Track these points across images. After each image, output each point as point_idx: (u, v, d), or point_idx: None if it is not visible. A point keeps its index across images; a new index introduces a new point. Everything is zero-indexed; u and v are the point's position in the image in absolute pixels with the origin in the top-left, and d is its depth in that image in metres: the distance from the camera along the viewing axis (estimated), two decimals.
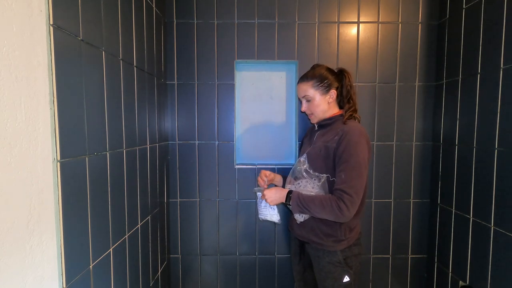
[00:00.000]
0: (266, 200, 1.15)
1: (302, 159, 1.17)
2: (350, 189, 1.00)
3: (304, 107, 1.20)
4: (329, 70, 1.18)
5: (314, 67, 1.21)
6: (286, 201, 1.11)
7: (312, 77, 1.16)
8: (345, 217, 1.01)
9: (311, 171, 1.13)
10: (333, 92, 1.16)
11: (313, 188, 1.10)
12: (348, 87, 1.17)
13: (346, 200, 1.00)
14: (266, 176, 1.25)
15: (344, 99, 1.18)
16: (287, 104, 1.68)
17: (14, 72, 0.59)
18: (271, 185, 1.29)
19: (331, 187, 1.09)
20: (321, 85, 1.14)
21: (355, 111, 1.18)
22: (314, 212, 1.05)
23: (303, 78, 1.18)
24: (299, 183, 1.12)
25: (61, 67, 0.71)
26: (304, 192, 1.09)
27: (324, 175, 1.10)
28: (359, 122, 1.19)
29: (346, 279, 1.11)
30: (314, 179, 1.10)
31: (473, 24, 1.30)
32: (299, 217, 1.15)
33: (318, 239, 1.13)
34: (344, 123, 1.12)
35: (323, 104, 1.16)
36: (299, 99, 1.23)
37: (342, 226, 1.10)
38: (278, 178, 1.32)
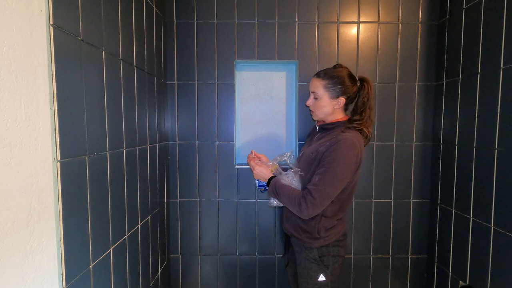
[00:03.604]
0: (253, 171, 1.23)
1: (288, 153, 1.24)
2: (316, 193, 1.02)
3: (309, 102, 1.18)
4: (350, 75, 1.13)
5: (336, 67, 1.16)
6: (266, 183, 1.19)
7: (328, 78, 1.11)
8: (302, 215, 1.06)
9: (290, 166, 1.20)
10: (342, 100, 1.12)
11: (297, 183, 1.15)
12: (365, 99, 1.11)
13: (308, 201, 1.02)
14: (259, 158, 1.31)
15: (358, 110, 1.12)
16: (287, 104, 1.68)
17: (14, 72, 0.59)
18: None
19: (302, 182, 1.14)
20: (332, 88, 1.11)
21: (363, 125, 1.11)
22: (281, 200, 1.12)
23: (320, 74, 1.14)
24: (286, 174, 1.18)
25: (61, 67, 0.71)
26: (283, 182, 1.15)
27: (297, 169, 1.15)
28: (369, 139, 1.14)
29: (322, 278, 1.12)
30: (289, 173, 1.17)
31: (473, 24, 1.30)
32: (272, 202, 1.24)
33: (297, 234, 1.17)
34: (343, 131, 1.09)
35: (328, 107, 1.13)
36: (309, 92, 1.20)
37: (317, 225, 1.11)
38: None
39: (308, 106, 1.21)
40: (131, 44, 1.12)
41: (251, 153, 1.33)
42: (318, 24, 1.56)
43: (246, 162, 1.66)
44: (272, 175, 1.19)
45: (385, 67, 1.58)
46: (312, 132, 1.33)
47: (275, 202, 1.23)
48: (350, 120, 1.13)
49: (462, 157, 1.37)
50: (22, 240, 0.61)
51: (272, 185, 1.15)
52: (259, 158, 1.30)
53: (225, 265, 1.67)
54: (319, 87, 1.13)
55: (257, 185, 1.31)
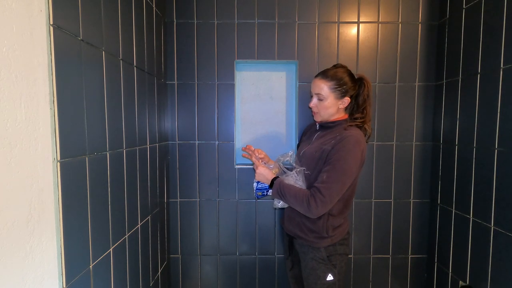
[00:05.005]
0: (255, 173, 1.21)
1: (290, 153, 1.24)
2: (325, 190, 1.02)
3: (313, 104, 1.17)
4: (351, 75, 1.14)
5: (337, 67, 1.16)
6: (269, 185, 1.18)
7: (332, 78, 1.11)
8: (312, 214, 1.05)
9: (293, 165, 1.19)
10: (347, 100, 1.13)
11: (302, 183, 1.14)
12: (365, 97, 1.14)
13: (317, 199, 1.02)
14: (260, 153, 1.29)
15: (359, 108, 1.15)
16: (287, 104, 1.68)
17: (14, 72, 0.59)
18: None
19: (307, 181, 1.13)
20: (338, 89, 1.11)
21: (364, 122, 1.14)
22: (288, 201, 1.10)
23: (323, 75, 1.13)
24: (289, 174, 1.17)
25: (61, 67, 0.71)
26: (287, 182, 1.14)
27: (302, 168, 1.14)
28: (369, 135, 1.17)
29: (330, 277, 1.12)
30: (293, 173, 1.16)
31: (473, 24, 1.30)
32: (277, 203, 1.22)
33: (303, 234, 1.16)
34: (345, 128, 1.11)
35: (333, 108, 1.13)
36: (310, 93, 1.20)
37: (325, 223, 1.11)
38: (272, 162, 1.33)
39: (310, 108, 1.20)
40: (131, 44, 1.12)
41: (247, 147, 1.30)
42: (318, 24, 1.56)
43: (246, 162, 1.67)
44: (275, 175, 1.18)
45: (385, 67, 1.58)
46: (309, 130, 1.33)
47: (279, 203, 1.21)
48: (351, 118, 1.15)
49: (462, 157, 1.37)
50: (22, 240, 0.61)
51: (276, 186, 1.13)
52: (258, 153, 1.29)
53: (225, 265, 1.67)
54: (324, 88, 1.12)
55: (255, 188, 1.27)
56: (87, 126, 0.82)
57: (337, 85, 1.11)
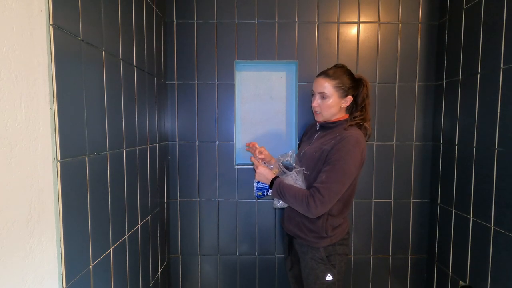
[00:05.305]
0: (255, 173, 1.21)
1: (290, 153, 1.24)
2: (325, 191, 1.02)
3: (315, 103, 1.16)
4: (351, 75, 1.16)
5: (337, 67, 1.18)
6: (269, 185, 1.18)
7: (335, 77, 1.12)
8: (311, 213, 1.05)
9: (293, 165, 1.20)
10: (349, 98, 1.14)
11: (301, 183, 1.14)
12: (364, 96, 1.16)
13: (316, 199, 1.02)
14: (261, 153, 1.28)
15: (358, 107, 1.17)
16: (287, 104, 1.68)
17: (14, 72, 0.59)
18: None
19: (307, 181, 1.13)
20: (341, 87, 1.12)
21: (364, 120, 1.16)
22: (287, 201, 1.11)
23: (326, 74, 1.14)
24: (289, 174, 1.17)
25: (61, 67, 0.71)
26: (287, 182, 1.14)
27: (301, 168, 1.14)
28: (369, 134, 1.18)
29: (329, 277, 1.12)
30: (292, 173, 1.16)
31: (473, 24, 1.30)
32: (277, 203, 1.22)
33: (302, 234, 1.16)
34: (345, 129, 1.11)
35: (336, 107, 1.14)
36: (312, 92, 1.19)
37: (324, 223, 1.11)
38: (274, 161, 1.33)
39: (312, 107, 1.19)
40: (131, 44, 1.12)
41: (251, 144, 1.31)
42: (318, 24, 1.56)
43: (246, 162, 1.67)
44: (275, 175, 1.19)
45: (385, 67, 1.58)
46: (309, 130, 1.34)
47: (279, 203, 1.21)
48: (351, 117, 1.16)
49: (462, 157, 1.37)
50: (22, 240, 0.61)
51: (276, 186, 1.14)
52: (259, 153, 1.28)
53: (225, 265, 1.67)
54: (328, 87, 1.12)
55: (255, 188, 1.27)
56: (87, 126, 0.82)
57: (340, 84, 1.12)
